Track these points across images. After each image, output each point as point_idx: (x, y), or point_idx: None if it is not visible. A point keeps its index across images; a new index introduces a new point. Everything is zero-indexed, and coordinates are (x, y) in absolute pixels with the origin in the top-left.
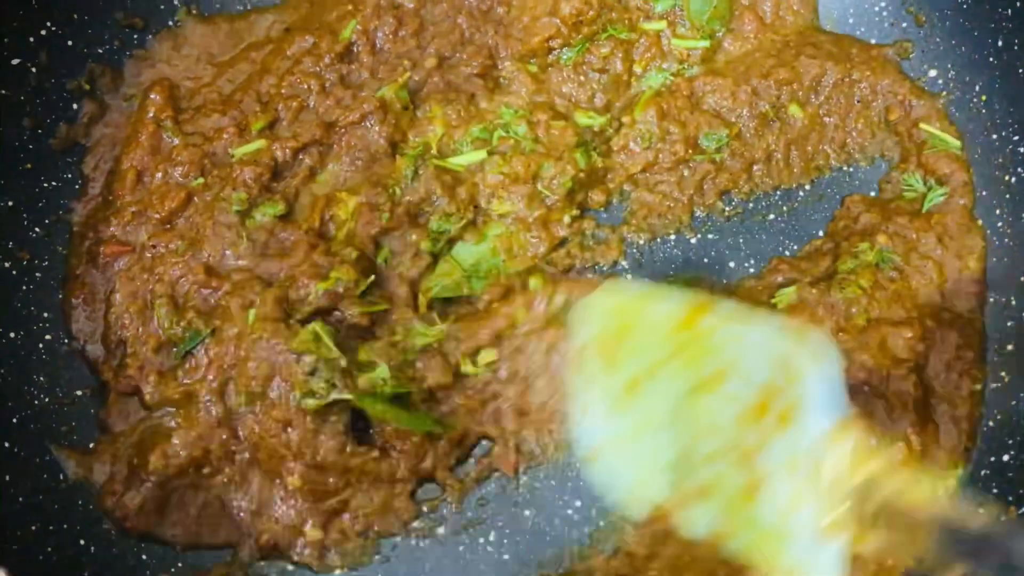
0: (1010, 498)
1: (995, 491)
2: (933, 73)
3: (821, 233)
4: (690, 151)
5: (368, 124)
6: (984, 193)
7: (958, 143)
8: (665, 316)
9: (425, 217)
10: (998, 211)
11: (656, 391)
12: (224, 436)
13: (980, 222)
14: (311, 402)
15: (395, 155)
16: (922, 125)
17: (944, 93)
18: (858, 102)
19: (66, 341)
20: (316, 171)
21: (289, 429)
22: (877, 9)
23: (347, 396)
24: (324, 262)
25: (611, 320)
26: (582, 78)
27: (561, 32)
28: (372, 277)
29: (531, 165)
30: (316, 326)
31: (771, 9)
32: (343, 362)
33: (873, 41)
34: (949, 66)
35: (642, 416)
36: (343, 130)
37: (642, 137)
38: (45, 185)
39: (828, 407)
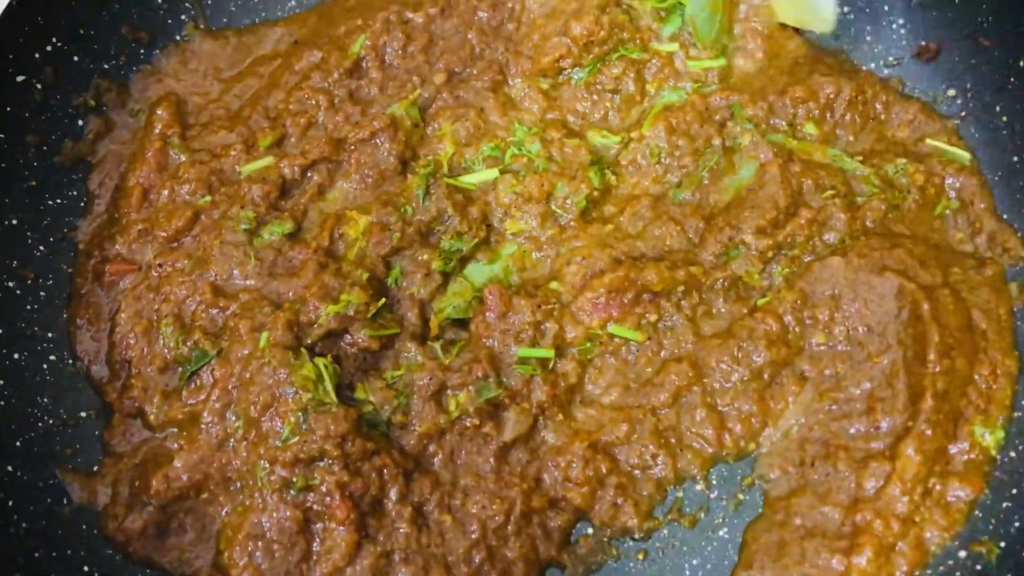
0: None
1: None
2: (952, 92)
3: None
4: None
5: (378, 141)
6: (1005, 216)
7: (967, 155)
8: None
9: (436, 236)
10: (1020, 234)
11: None
12: (223, 461)
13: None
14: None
15: (405, 173)
16: (929, 140)
17: (962, 113)
18: (872, 120)
19: (71, 361)
20: (325, 189)
21: (278, 467)
22: (895, 27)
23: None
24: (334, 283)
25: None
26: (595, 97)
27: (572, 52)
28: (383, 300)
29: (544, 184)
30: (323, 363)
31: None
32: (334, 409)
33: (891, 59)
34: (968, 86)
35: None
36: (352, 147)
37: (651, 152)
38: (50, 203)
39: None
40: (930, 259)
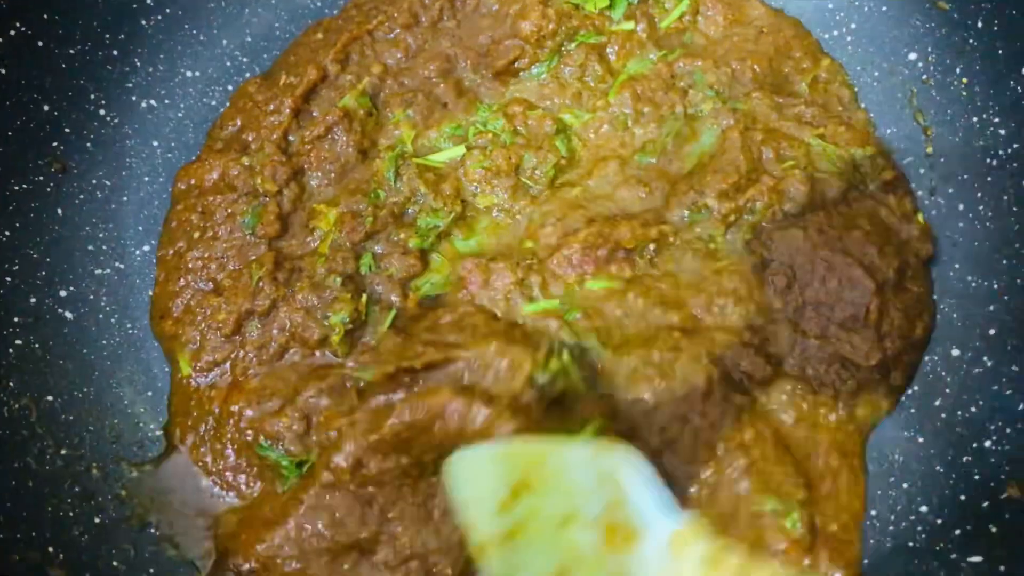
0: (992, 483)
1: (977, 476)
2: (913, 56)
3: None
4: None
5: (334, 136)
6: (965, 177)
7: None
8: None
9: (411, 216)
10: (979, 194)
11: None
12: None
13: None
14: None
15: (367, 162)
16: None
17: (923, 77)
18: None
19: None
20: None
21: None
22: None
23: None
24: (316, 302)
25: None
26: (562, 81)
27: (526, 51)
28: (364, 296)
29: (512, 157)
30: (565, 356)
31: None
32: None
33: (853, 25)
34: (929, 49)
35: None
36: (309, 146)
37: (617, 120)
38: None
39: (658, 512)
40: (887, 246)
